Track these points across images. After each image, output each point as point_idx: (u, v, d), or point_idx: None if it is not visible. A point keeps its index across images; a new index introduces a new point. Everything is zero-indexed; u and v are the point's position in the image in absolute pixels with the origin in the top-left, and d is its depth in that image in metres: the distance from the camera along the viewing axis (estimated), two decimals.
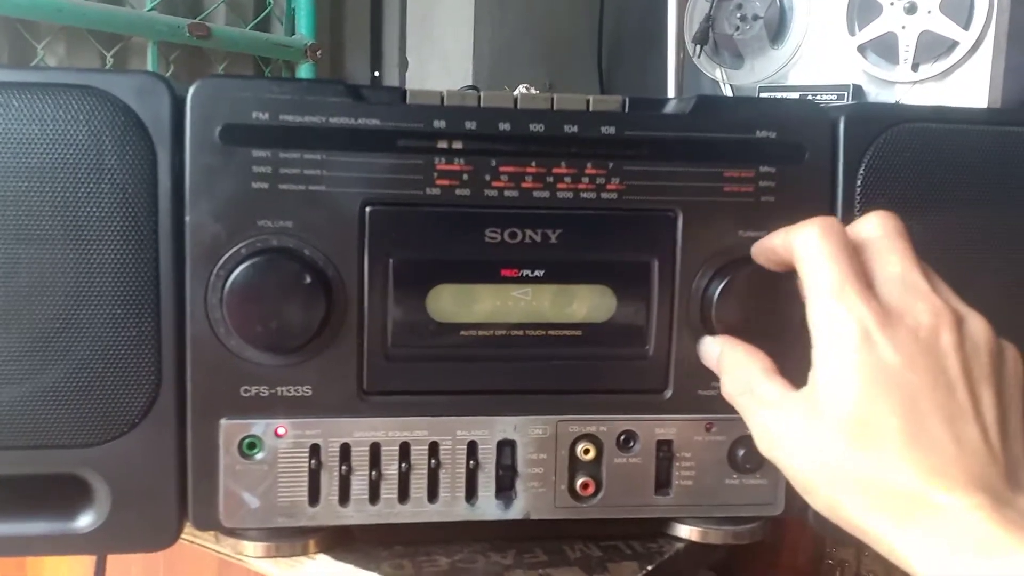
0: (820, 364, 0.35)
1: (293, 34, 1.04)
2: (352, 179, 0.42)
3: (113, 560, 0.54)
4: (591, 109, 0.43)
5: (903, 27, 0.82)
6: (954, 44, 0.79)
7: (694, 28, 0.94)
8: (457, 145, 0.42)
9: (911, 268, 0.35)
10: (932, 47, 0.80)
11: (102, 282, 0.40)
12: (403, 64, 1.16)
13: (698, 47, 0.94)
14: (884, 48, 0.83)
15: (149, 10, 0.89)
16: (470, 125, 0.42)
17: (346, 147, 0.42)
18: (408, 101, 0.42)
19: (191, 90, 0.41)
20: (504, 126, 0.43)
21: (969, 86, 0.80)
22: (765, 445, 0.37)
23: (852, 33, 0.85)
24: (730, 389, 0.40)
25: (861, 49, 0.84)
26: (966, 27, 0.79)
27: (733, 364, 0.40)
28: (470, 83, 1.09)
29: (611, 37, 1.30)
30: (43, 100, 0.40)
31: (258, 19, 1.03)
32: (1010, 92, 0.81)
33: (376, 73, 1.15)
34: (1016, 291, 0.45)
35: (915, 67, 0.82)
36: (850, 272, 0.35)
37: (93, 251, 0.40)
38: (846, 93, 0.85)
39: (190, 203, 0.41)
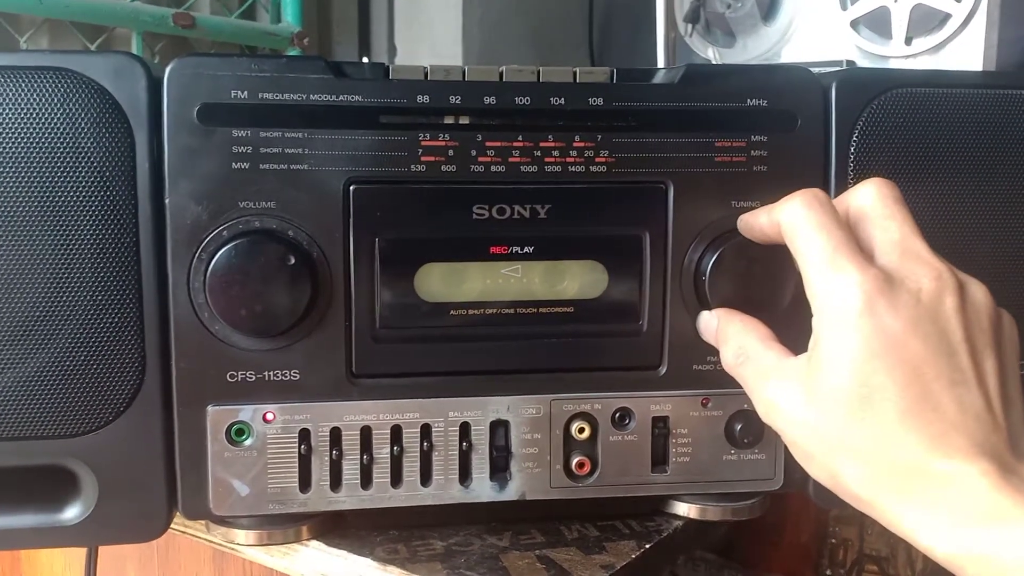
0: (820, 333, 0.34)
1: (279, 22, 1.02)
2: (335, 157, 0.41)
3: (107, 552, 0.53)
4: (578, 80, 0.43)
5: (895, 0, 0.81)
6: (947, 17, 0.78)
7: (685, 7, 0.93)
8: (442, 120, 0.41)
9: (910, 233, 0.35)
10: (925, 20, 0.79)
11: (82, 268, 0.40)
12: (391, 50, 1.14)
13: (690, 26, 0.93)
14: (877, 22, 0.82)
15: (133, 0, 0.88)
16: (455, 99, 0.42)
17: (328, 124, 0.41)
18: (391, 76, 0.42)
19: (168, 70, 0.40)
20: (490, 100, 0.42)
21: (963, 59, 0.79)
22: (765, 412, 0.36)
23: (844, 8, 0.84)
24: (729, 359, 0.39)
25: (854, 24, 0.83)
26: None
27: (730, 334, 0.39)
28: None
29: (602, 19, 1.29)
30: (17, 83, 0.39)
31: (244, 7, 1.01)
32: (1004, 64, 0.80)
33: (365, 60, 1.14)
34: (1012, 256, 0.44)
35: (908, 41, 0.81)
36: (840, 240, 0.34)
37: (72, 236, 0.39)
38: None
39: (170, 185, 0.40)
